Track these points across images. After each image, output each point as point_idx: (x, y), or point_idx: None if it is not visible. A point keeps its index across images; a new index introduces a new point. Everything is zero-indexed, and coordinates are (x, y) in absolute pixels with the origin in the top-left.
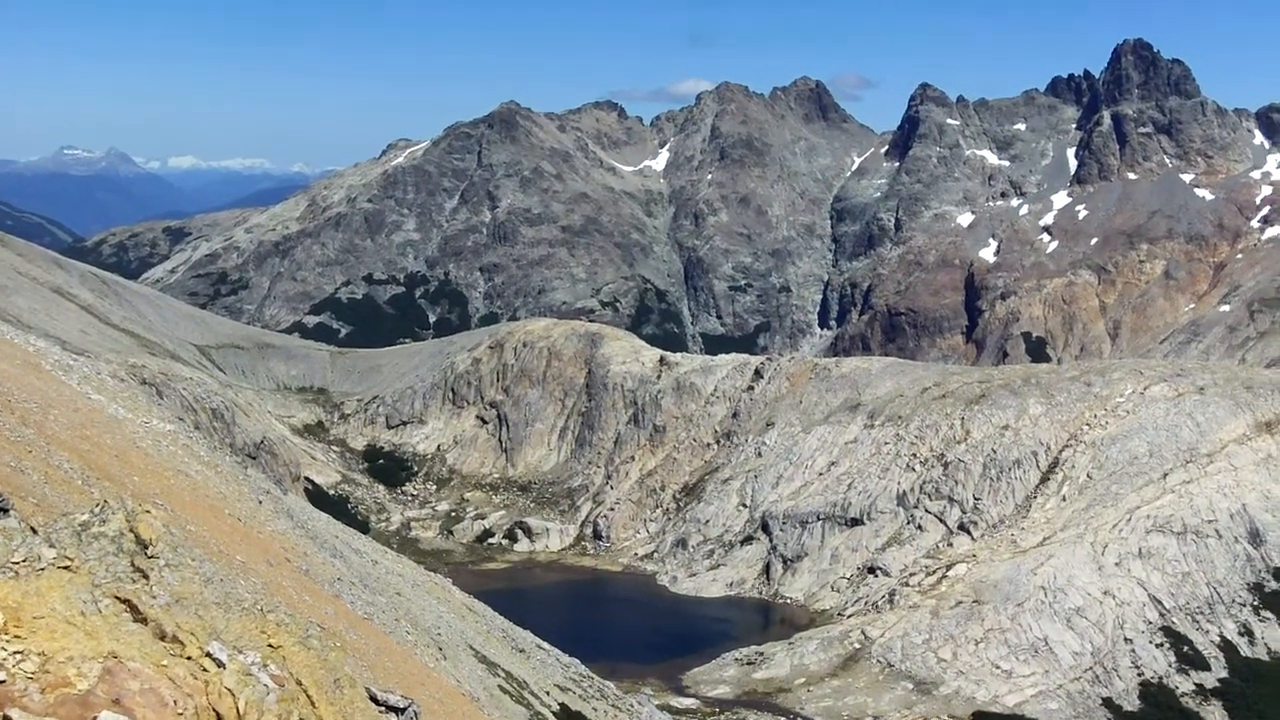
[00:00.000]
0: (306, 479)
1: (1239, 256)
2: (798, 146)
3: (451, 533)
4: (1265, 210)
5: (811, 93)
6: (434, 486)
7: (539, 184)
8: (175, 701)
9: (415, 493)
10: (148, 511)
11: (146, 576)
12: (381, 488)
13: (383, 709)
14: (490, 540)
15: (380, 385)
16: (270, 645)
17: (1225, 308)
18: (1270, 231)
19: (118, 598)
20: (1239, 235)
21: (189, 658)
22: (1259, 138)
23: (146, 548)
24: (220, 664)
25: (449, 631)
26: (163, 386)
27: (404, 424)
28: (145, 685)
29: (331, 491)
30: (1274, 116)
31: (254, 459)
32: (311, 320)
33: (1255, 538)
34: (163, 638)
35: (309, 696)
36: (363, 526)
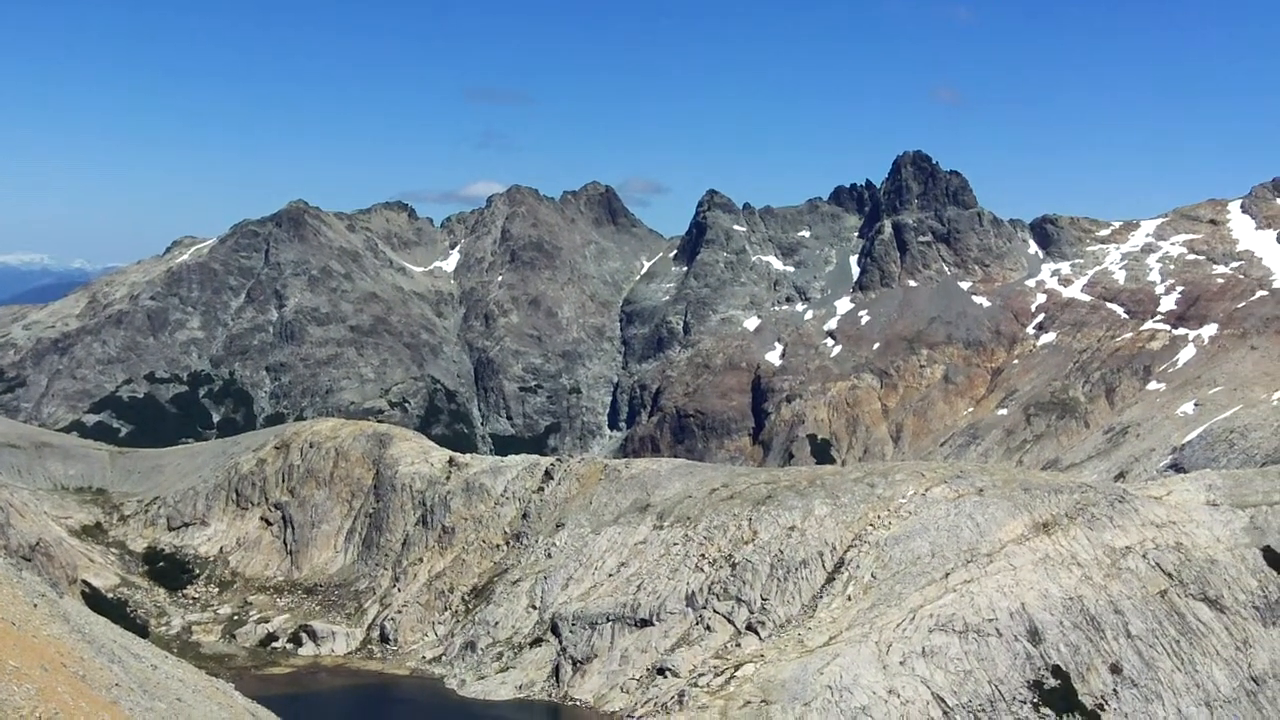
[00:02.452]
0: (84, 582)
1: (1015, 362)
2: (588, 250)
3: (234, 636)
4: (1040, 318)
5: (601, 197)
6: (216, 589)
7: (327, 283)
8: None
9: (197, 596)
10: None
11: None
12: (162, 591)
13: None
14: (274, 644)
15: (162, 486)
16: None
17: (1003, 411)
18: (1045, 338)
19: None
20: (1015, 341)
21: None
22: (1033, 247)
23: None
24: None
25: None
26: None
27: (186, 525)
28: None
29: (110, 594)
30: (1048, 228)
31: (29, 561)
32: (91, 419)
33: (1034, 636)
34: None
35: None
36: (142, 630)
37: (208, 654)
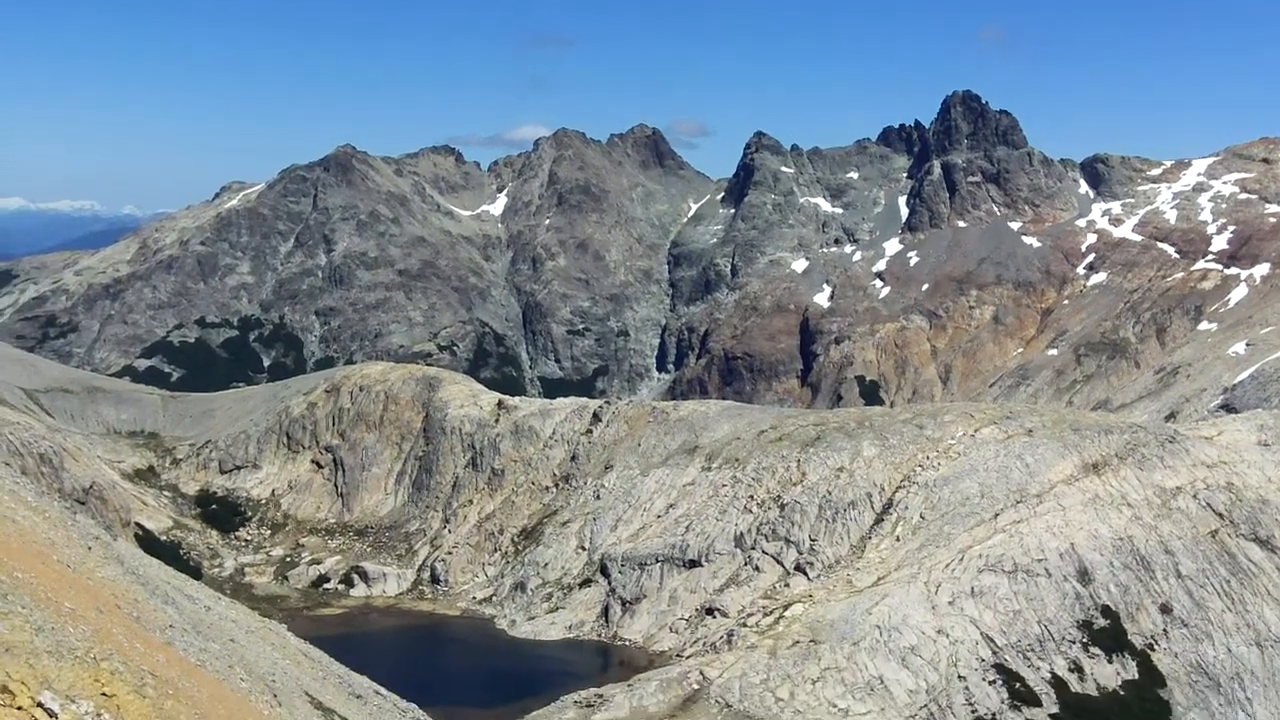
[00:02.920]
0: (137, 524)
1: (1065, 302)
2: (635, 193)
3: (286, 578)
4: (1090, 258)
5: (648, 139)
6: (268, 531)
7: (375, 227)
8: None
9: (249, 538)
10: None
11: None
12: (214, 533)
13: None
14: (326, 585)
15: (213, 429)
16: (104, 694)
17: (1053, 352)
18: (1095, 278)
19: None
20: (1065, 282)
21: (20, 708)
22: (1084, 187)
23: None
24: (52, 714)
25: (284, 678)
26: None
27: (237, 469)
28: None
29: (163, 537)
30: (1098, 167)
31: (83, 504)
32: (143, 364)
33: (1084, 576)
34: None
35: None
36: (195, 572)
37: (260, 595)
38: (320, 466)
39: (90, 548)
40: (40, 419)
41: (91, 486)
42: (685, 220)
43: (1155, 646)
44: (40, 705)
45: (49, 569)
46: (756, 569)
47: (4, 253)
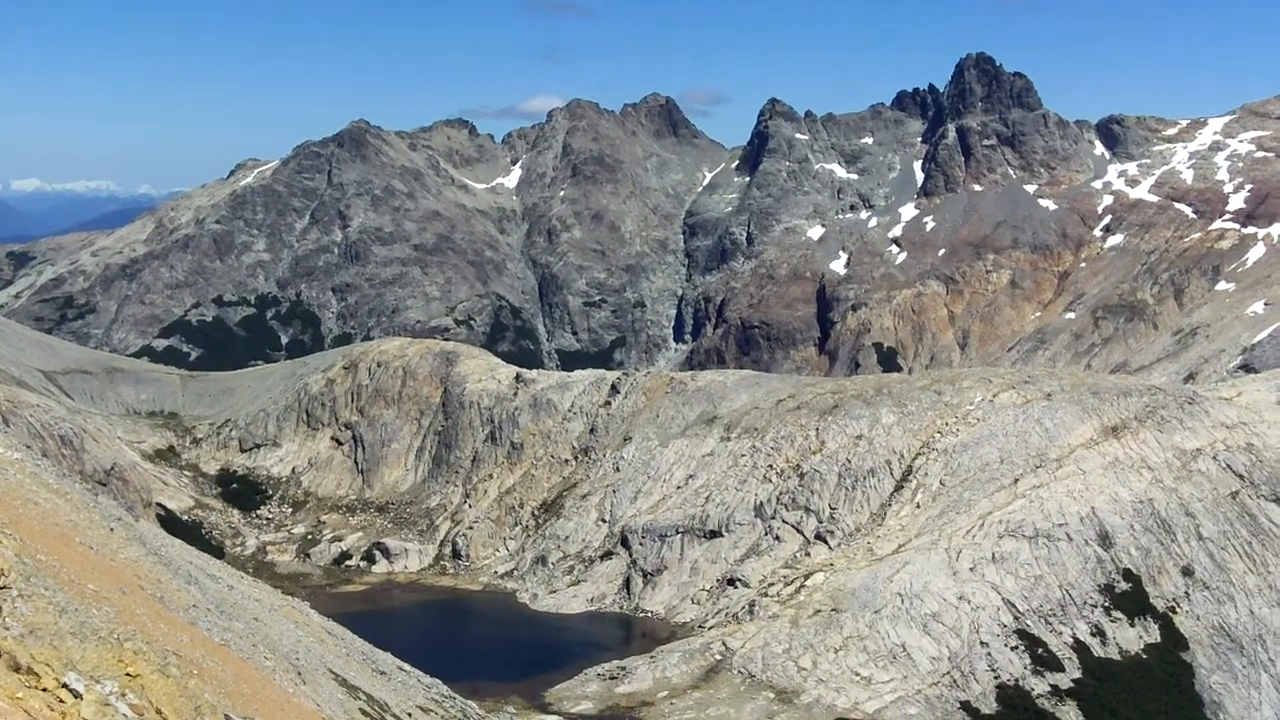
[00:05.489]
0: (158, 505)
1: (1082, 265)
2: (649, 162)
3: (308, 556)
4: (1107, 220)
5: (662, 109)
6: (289, 509)
7: (390, 203)
8: None
9: (270, 516)
10: None
11: None
12: (236, 512)
13: None
14: (348, 562)
15: (233, 408)
16: (128, 674)
17: (1070, 315)
18: (1112, 240)
19: None
20: (1082, 244)
21: (45, 689)
22: (1100, 148)
23: None
24: (77, 695)
25: (308, 655)
26: (8, 413)
27: (257, 447)
28: None
29: (184, 517)
30: (1114, 128)
31: (104, 485)
32: (161, 344)
33: (1105, 540)
34: (17, 669)
35: None
36: (217, 551)
37: (283, 573)
38: (340, 443)
39: (112, 529)
40: (60, 401)
41: (112, 467)
42: (700, 189)
43: (1177, 609)
44: (65, 686)
45: (71, 551)
46: (777, 538)
47: (21, 234)
